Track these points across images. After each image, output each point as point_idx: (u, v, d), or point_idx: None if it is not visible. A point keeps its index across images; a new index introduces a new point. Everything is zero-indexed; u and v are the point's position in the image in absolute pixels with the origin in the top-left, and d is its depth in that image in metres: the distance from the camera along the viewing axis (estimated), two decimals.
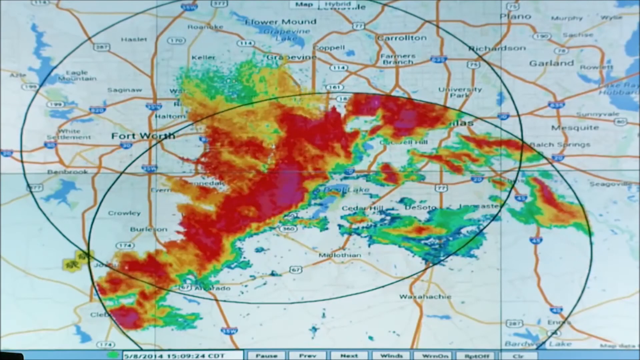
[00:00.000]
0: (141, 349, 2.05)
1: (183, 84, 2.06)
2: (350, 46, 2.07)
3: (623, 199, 2.04)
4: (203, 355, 2.05)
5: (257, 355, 2.05)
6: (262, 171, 2.05)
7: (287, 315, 2.05)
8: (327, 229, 2.05)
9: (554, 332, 2.04)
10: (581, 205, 2.04)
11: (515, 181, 2.04)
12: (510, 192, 2.04)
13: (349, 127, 2.06)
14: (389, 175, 2.05)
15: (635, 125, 2.04)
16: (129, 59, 2.07)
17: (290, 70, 2.07)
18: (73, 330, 2.05)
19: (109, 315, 2.05)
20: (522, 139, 2.05)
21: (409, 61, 2.06)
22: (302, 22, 2.07)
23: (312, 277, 2.05)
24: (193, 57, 2.07)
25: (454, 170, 2.04)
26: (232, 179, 2.05)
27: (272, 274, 2.05)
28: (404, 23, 2.07)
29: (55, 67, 2.07)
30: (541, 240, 2.04)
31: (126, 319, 2.05)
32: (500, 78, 2.06)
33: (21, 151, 2.07)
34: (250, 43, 2.07)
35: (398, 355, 2.04)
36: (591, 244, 2.04)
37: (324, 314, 2.05)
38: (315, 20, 2.07)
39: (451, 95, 2.06)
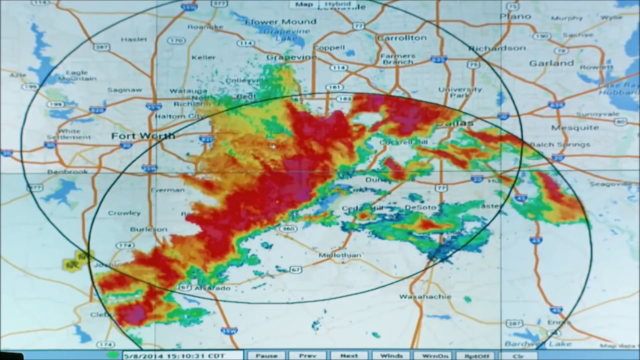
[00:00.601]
0: (141, 349, 2.05)
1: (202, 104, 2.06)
2: (350, 46, 2.07)
3: (623, 199, 2.04)
4: (203, 355, 2.05)
5: (257, 355, 2.05)
6: (262, 170, 2.05)
7: (287, 315, 2.05)
8: (331, 224, 2.05)
9: (554, 332, 2.04)
10: (581, 205, 2.04)
11: (516, 178, 2.04)
12: (511, 189, 2.04)
13: (352, 125, 2.06)
14: (395, 171, 2.05)
15: (635, 125, 2.04)
16: (129, 59, 2.07)
17: (291, 70, 2.07)
18: (73, 330, 2.05)
19: (109, 315, 2.05)
20: (522, 139, 2.05)
21: (409, 61, 2.06)
22: (302, 22, 2.07)
23: (312, 277, 2.05)
24: (193, 57, 2.07)
25: (460, 166, 2.04)
26: (235, 178, 2.05)
27: (276, 270, 2.05)
28: (404, 23, 2.07)
29: (55, 67, 2.07)
30: (541, 240, 2.04)
31: (126, 317, 2.05)
32: (500, 78, 2.05)
33: (21, 151, 2.06)
34: (250, 43, 2.07)
35: (398, 355, 2.04)
36: (591, 244, 2.04)
37: (324, 314, 2.05)
38: (315, 20, 2.07)
39: (451, 95, 2.06)
